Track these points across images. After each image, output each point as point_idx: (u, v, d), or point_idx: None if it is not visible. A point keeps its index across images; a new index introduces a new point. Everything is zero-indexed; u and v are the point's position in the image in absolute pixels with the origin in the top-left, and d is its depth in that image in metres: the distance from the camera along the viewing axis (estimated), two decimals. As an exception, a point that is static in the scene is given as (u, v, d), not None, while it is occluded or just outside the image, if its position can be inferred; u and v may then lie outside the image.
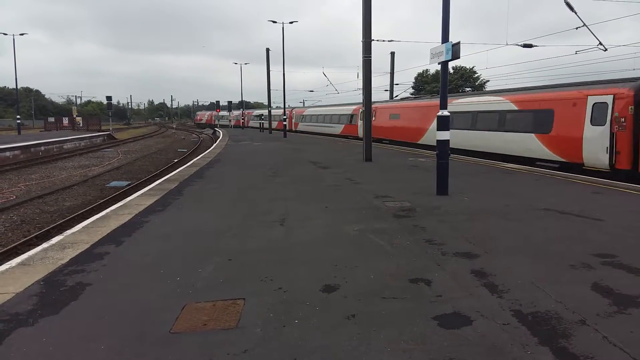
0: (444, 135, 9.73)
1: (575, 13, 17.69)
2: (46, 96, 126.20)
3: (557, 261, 5.23)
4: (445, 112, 9.68)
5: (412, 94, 62.62)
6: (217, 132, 49.24)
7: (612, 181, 11.34)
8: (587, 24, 18.09)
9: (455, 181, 10.65)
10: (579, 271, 4.91)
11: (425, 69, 71.95)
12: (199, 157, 20.44)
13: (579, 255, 5.44)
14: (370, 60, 17.57)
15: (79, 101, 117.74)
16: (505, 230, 6.70)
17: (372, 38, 17.43)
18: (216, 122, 73.46)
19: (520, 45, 21.67)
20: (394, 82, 43.75)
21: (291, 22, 36.93)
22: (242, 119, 65.28)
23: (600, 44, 18.61)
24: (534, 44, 21.57)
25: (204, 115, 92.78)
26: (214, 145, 29.48)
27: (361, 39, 17.31)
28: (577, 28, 18.46)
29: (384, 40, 22.46)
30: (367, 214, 7.92)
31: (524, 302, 4.11)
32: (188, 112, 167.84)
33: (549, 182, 11.44)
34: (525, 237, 6.27)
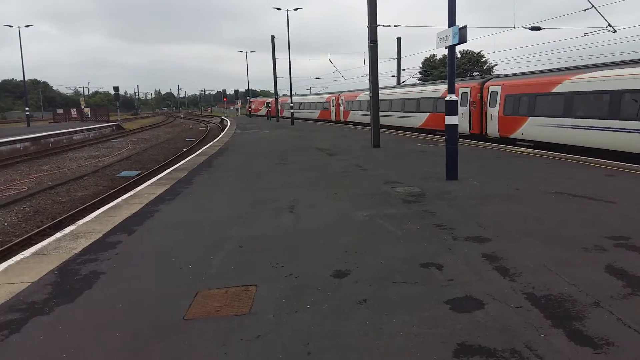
0: (452, 120, 9.65)
1: (585, -7, 17.36)
2: (54, 88, 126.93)
3: (570, 244, 5.19)
4: (454, 97, 9.59)
5: (419, 79, 62.06)
6: (224, 121, 49.22)
7: (625, 164, 11.21)
8: (595, 6, 17.76)
9: (465, 166, 10.58)
10: (592, 253, 4.87)
11: (432, 53, 71.16)
12: (207, 146, 20.49)
13: (591, 237, 5.39)
14: (376, 46, 17.38)
15: (86, 92, 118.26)
16: (516, 214, 6.65)
17: (378, 23, 17.24)
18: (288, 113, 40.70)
19: (528, 28, 21.37)
20: (401, 68, 43.45)
21: (295, 9, 36.81)
22: (332, 107, 39.47)
23: (610, 25, 18.28)
24: (542, 26, 21.27)
25: (262, 103, 63.02)
26: (222, 133, 29.53)
27: (367, 24, 17.14)
28: (585, 10, 18.16)
29: (389, 26, 22.13)
30: (376, 199, 7.90)
31: (537, 285, 4.08)
32: (195, 101, 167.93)
33: (560, 166, 11.32)
34: (537, 221, 6.22)
